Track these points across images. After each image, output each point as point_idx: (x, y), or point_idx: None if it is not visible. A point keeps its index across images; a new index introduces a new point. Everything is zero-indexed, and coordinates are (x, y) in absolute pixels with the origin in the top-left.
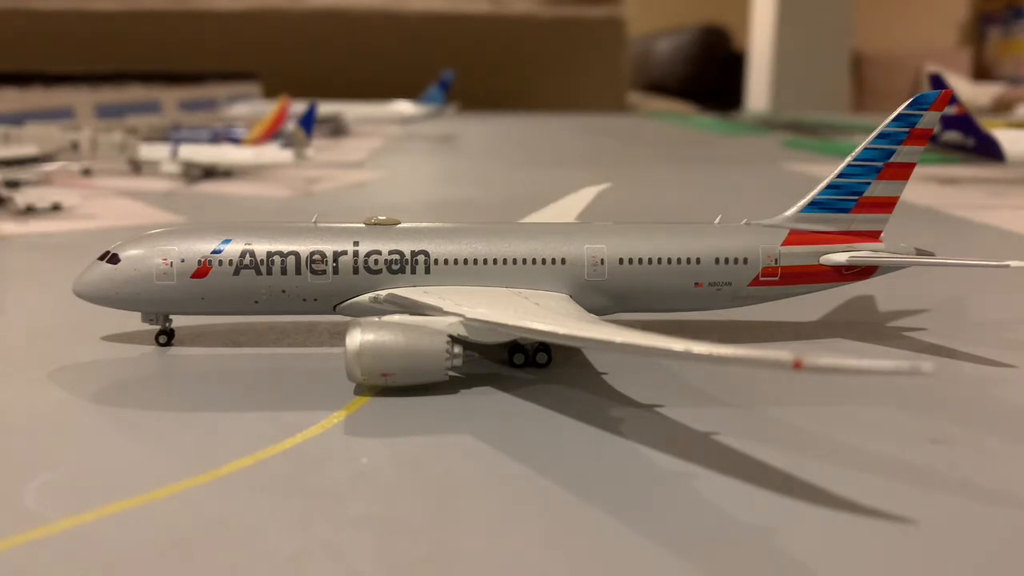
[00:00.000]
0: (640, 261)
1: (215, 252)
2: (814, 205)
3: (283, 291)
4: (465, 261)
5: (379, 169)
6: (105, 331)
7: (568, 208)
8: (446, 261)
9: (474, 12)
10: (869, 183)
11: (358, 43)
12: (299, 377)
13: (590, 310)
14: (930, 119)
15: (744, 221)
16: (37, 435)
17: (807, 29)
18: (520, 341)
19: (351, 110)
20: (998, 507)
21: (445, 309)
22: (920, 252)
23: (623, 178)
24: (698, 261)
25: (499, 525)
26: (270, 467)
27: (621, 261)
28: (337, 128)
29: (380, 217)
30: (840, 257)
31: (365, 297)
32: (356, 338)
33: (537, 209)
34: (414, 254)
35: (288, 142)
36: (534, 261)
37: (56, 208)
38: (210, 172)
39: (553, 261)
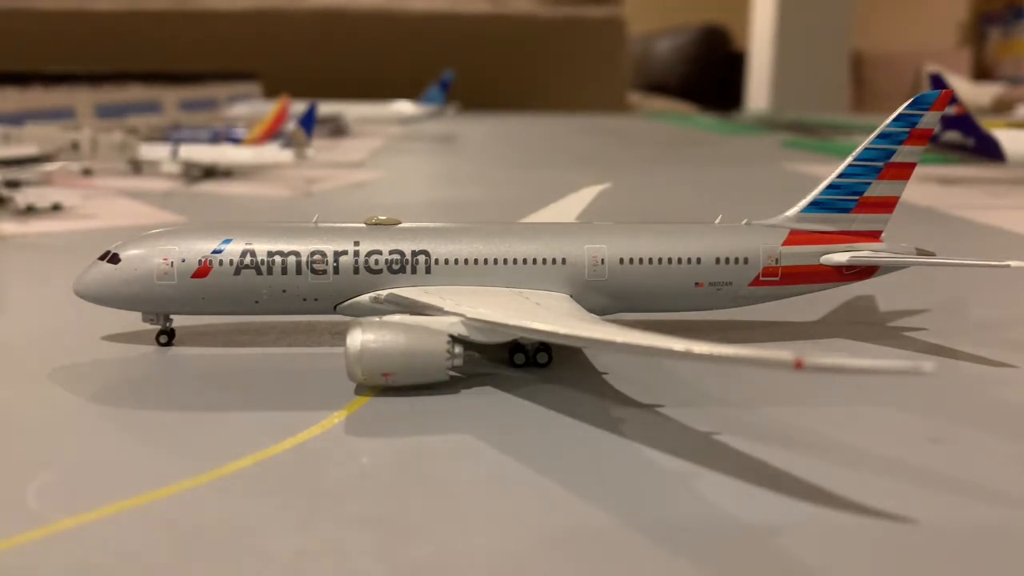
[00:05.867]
0: (640, 261)
1: (216, 252)
2: (815, 205)
3: (284, 291)
4: (466, 261)
5: (379, 169)
6: (105, 331)
7: (568, 208)
8: (447, 261)
9: (474, 12)
10: (870, 183)
11: (358, 43)
12: (299, 377)
13: (591, 310)
14: (930, 119)
15: (744, 221)
16: (37, 435)
17: (807, 29)
18: (521, 341)
19: (351, 110)
20: (998, 507)
21: (446, 309)
22: (920, 252)
23: (623, 178)
24: (698, 261)
25: (499, 525)
26: (270, 467)
27: (621, 261)
28: (337, 128)
29: (380, 217)
30: (841, 257)
31: (366, 297)
32: (357, 338)
33: (537, 209)
34: (415, 254)
35: (288, 142)
36: (535, 261)
37: (56, 208)
38: (210, 172)
39: (554, 261)
